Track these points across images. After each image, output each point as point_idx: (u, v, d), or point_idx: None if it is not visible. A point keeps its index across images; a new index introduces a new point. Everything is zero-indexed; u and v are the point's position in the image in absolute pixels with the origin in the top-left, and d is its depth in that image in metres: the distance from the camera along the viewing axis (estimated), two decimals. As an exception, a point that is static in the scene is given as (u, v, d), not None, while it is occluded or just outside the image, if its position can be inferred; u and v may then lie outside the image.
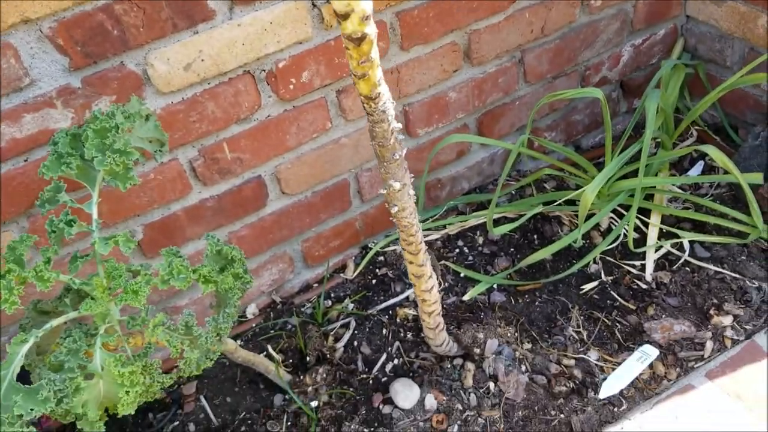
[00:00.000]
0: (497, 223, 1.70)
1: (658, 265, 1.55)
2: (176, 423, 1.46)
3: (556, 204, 1.63)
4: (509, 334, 1.44)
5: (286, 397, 1.44)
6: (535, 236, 1.67)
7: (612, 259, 1.58)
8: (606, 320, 1.46)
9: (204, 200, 1.42)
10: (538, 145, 1.77)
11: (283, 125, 1.42)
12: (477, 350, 1.40)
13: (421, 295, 1.14)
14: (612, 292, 1.52)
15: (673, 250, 1.57)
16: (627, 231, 1.54)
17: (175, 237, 1.43)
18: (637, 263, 1.56)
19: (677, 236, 1.57)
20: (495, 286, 1.57)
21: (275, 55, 1.32)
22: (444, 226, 1.73)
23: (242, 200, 1.47)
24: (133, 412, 1.01)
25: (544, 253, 1.56)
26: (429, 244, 1.70)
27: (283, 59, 1.33)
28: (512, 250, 1.65)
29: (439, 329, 1.24)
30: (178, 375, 1.09)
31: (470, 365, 1.42)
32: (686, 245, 1.56)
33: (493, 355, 1.41)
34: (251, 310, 1.64)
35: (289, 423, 1.40)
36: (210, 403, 1.48)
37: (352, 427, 1.37)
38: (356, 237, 1.71)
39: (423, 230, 1.71)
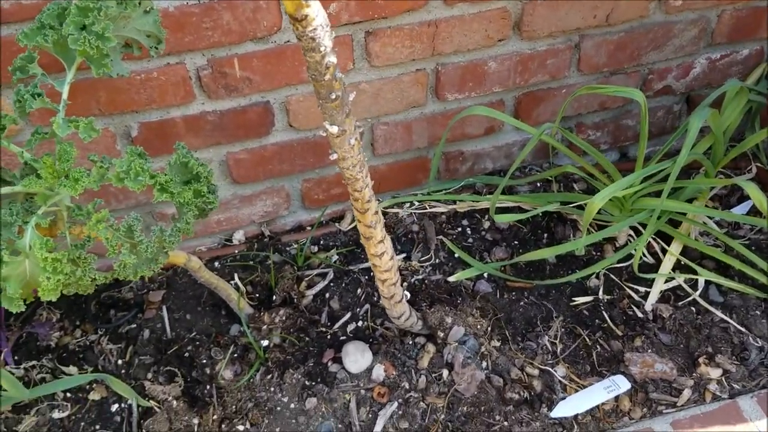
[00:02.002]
0: (508, 212, 1.60)
1: (663, 297, 1.42)
2: (133, 326, 1.45)
3: (571, 206, 1.51)
4: (480, 327, 1.36)
5: (242, 329, 1.40)
6: (545, 234, 1.56)
7: (616, 278, 1.46)
8: (587, 339, 1.36)
9: (205, 113, 1.38)
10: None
11: (301, 54, 1.35)
12: (441, 333, 1.33)
13: (372, 260, 1.07)
14: (604, 312, 1.40)
15: (685, 286, 1.43)
16: (637, 252, 1.42)
17: (170, 142, 1.40)
18: (642, 289, 1.44)
19: (695, 272, 1.44)
20: (485, 275, 1.49)
21: (303, -22, 1.25)
22: (454, 202, 1.64)
23: (245, 123, 1.42)
24: (54, 299, 0.99)
25: (547, 253, 1.46)
26: (433, 216, 1.61)
27: (311, -16, 1.26)
28: (516, 243, 1.55)
29: (395, 300, 1.17)
30: (113, 276, 1.07)
31: (431, 347, 1.35)
32: (701, 284, 1.43)
33: (456, 343, 1.33)
34: (238, 236, 1.61)
35: (235, 355, 1.37)
36: (170, 315, 1.46)
37: (294, 375, 1.33)
38: (361, 190, 1.64)
39: (431, 201, 1.63)
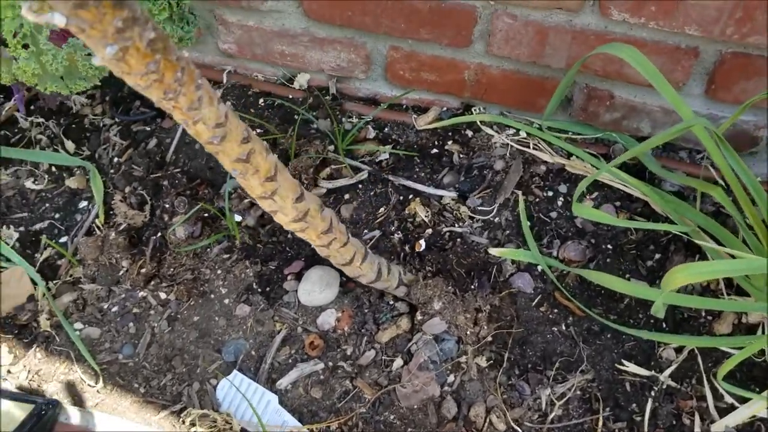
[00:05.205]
0: (628, 202, 1.13)
1: (750, 427, 0.94)
2: (146, 128, 1.29)
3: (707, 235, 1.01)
4: (473, 332, 1.00)
5: (228, 189, 1.17)
6: (656, 255, 1.09)
7: (701, 365, 0.99)
8: (598, 423, 0.95)
9: None
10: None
11: None
12: (420, 317, 1.00)
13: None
14: (650, 401, 0.97)
15: None
16: None
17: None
18: (729, 401, 0.96)
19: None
20: (539, 268, 1.08)
21: None
22: (569, 156, 1.19)
23: (325, -54, 1.07)
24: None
25: (618, 286, 1.02)
26: (531, 161, 1.19)
27: None
28: (606, 247, 1.10)
29: (354, 265, 0.85)
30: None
31: (405, 323, 1.03)
32: None
33: (430, 337, 1.00)
34: (301, 80, 1.32)
35: (205, 215, 1.16)
36: (184, 137, 1.27)
37: (248, 270, 1.10)
38: (459, 87, 1.24)
39: (543, 139, 1.21)
